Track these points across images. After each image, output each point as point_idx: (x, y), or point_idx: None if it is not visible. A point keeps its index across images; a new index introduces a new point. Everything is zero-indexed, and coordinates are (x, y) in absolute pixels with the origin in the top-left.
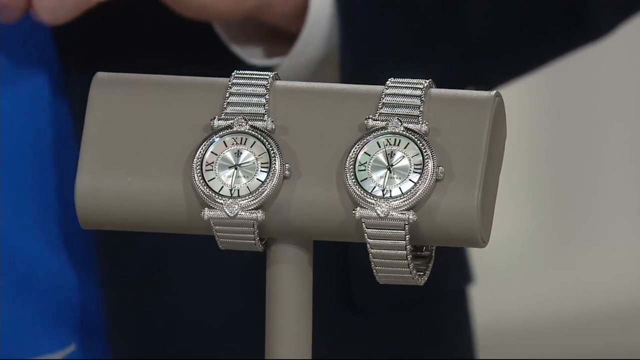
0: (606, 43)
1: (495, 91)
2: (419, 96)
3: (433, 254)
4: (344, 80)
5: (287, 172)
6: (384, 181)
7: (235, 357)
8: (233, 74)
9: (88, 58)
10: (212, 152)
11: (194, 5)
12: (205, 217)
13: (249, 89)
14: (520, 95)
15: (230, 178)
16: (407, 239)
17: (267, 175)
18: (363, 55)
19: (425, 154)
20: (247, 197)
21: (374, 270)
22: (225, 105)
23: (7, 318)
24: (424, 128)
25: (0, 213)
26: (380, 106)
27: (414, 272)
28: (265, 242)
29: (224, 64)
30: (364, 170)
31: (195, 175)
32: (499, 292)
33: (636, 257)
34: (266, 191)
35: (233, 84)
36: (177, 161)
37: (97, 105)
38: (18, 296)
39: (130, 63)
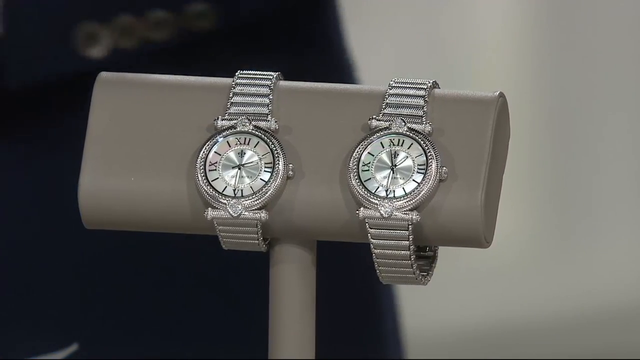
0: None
1: (499, 91)
2: (423, 96)
3: (437, 255)
4: None
5: (290, 172)
6: (388, 181)
7: (236, 357)
8: (237, 74)
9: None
10: (215, 152)
11: None
12: (209, 217)
13: (253, 89)
14: (520, 95)
15: (234, 178)
16: (410, 239)
17: (271, 176)
18: None
19: (428, 154)
20: (251, 197)
21: (377, 271)
22: (228, 105)
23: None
24: (428, 128)
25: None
26: (383, 106)
27: (417, 272)
28: (268, 242)
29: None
30: (368, 170)
31: (199, 175)
32: (499, 292)
33: (637, 257)
34: (270, 191)
35: (237, 84)
36: (180, 161)
37: (100, 104)
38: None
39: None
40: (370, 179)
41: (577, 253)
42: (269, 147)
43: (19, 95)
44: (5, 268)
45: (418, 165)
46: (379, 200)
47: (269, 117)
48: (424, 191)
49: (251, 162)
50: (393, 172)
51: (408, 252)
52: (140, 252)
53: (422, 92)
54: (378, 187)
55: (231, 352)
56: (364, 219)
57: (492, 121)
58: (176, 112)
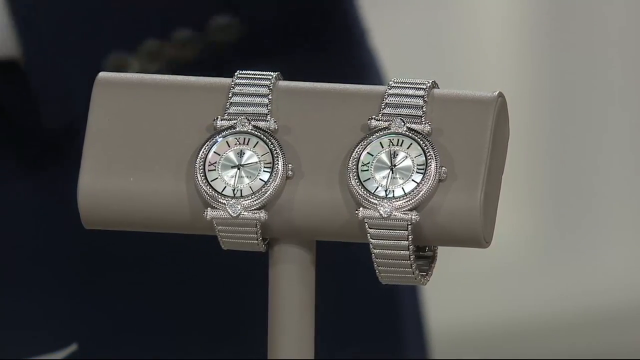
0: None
1: (498, 91)
2: (422, 96)
3: (436, 255)
4: None
5: (289, 172)
6: (387, 181)
7: (236, 357)
8: (236, 73)
9: None
10: (214, 152)
11: None
12: (208, 217)
13: (252, 89)
14: (520, 95)
15: (233, 178)
16: (409, 239)
17: (270, 176)
18: None
19: (428, 154)
20: (250, 197)
21: (377, 271)
22: (228, 106)
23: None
24: (427, 128)
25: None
26: (383, 106)
27: (417, 272)
28: (268, 242)
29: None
30: (367, 170)
31: (198, 175)
32: (500, 292)
33: (637, 257)
34: (269, 191)
35: (236, 84)
36: (179, 161)
37: (99, 105)
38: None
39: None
40: (369, 179)
41: (577, 253)
42: (268, 147)
43: (54, 132)
44: (5, 268)
45: (417, 165)
46: (378, 200)
47: (268, 117)
48: (423, 191)
49: (250, 162)
50: (392, 172)
51: (407, 252)
52: (139, 252)
53: (421, 92)
54: (377, 187)
55: (231, 352)
56: (363, 219)
57: (492, 121)
58: (175, 112)
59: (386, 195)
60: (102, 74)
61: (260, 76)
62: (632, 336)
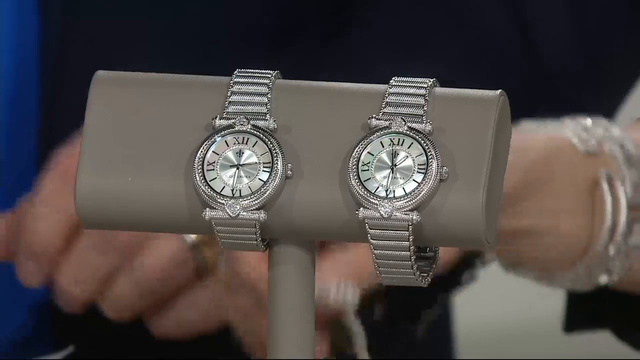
0: None
1: (500, 90)
2: (423, 95)
3: (437, 255)
4: None
5: (289, 172)
6: (388, 181)
7: (235, 357)
8: (235, 72)
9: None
10: (213, 151)
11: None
12: (207, 217)
13: (251, 88)
14: None
15: (232, 178)
16: (410, 239)
17: (269, 175)
18: None
19: (429, 153)
20: (249, 197)
21: (377, 272)
22: (226, 104)
23: (7, 318)
24: (428, 127)
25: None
26: (383, 105)
27: (418, 273)
28: (267, 243)
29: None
30: (367, 170)
31: (197, 175)
32: (500, 292)
33: None
34: (268, 191)
35: (234, 82)
36: (178, 161)
37: (97, 103)
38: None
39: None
40: (370, 178)
41: None
42: (267, 146)
43: None
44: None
45: (418, 164)
46: (378, 201)
47: (268, 116)
48: (424, 191)
49: (249, 162)
50: (393, 172)
51: (408, 253)
52: None
53: (422, 91)
54: (378, 187)
55: (231, 352)
56: (364, 219)
57: (494, 120)
58: (174, 111)
59: (387, 195)
60: (100, 72)
61: (259, 74)
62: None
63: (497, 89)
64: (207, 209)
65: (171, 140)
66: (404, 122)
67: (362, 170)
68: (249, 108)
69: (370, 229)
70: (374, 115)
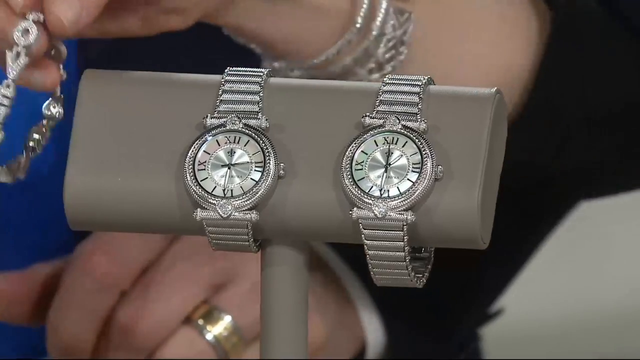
0: None
1: (495, 88)
2: (417, 93)
3: (432, 256)
4: None
5: (281, 172)
6: (382, 181)
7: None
8: (226, 70)
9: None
10: (204, 151)
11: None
12: (198, 217)
13: (243, 87)
14: None
15: (224, 178)
16: (405, 240)
17: (261, 175)
18: None
19: (423, 152)
20: (241, 198)
21: (372, 272)
22: (218, 103)
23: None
24: (423, 126)
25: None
26: (377, 103)
27: (412, 274)
28: (259, 244)
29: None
30: (361, 169)
31: (188, 174)
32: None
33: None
34: (260, 191)
35: (226, 81)
36: (168, 160)
37: (86, 102)
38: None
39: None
40: (363, 178)
41: (580, 254)
42: (259, 145)
43: None
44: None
45: (413, 164)
46: (372, 200)
47: (260, 114)
48: (419, 191)
49: (241, 162)
50: (387, 171)
51: (403, 254)
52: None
53: (416, 89)
54: (372, 187)
55: None
56: (358, 219)
57: (489, 118)
58: (164, 110)
59: (381, 195)
60: (89, 70)
61: (251, 73)
62: (634, 336)
63: None
64: (198, 209)
65: (162, 140)
66: (398, 121)
67: (355, 170)
68: (241, 107)
69: (364, 229)
70: (367, 114)
